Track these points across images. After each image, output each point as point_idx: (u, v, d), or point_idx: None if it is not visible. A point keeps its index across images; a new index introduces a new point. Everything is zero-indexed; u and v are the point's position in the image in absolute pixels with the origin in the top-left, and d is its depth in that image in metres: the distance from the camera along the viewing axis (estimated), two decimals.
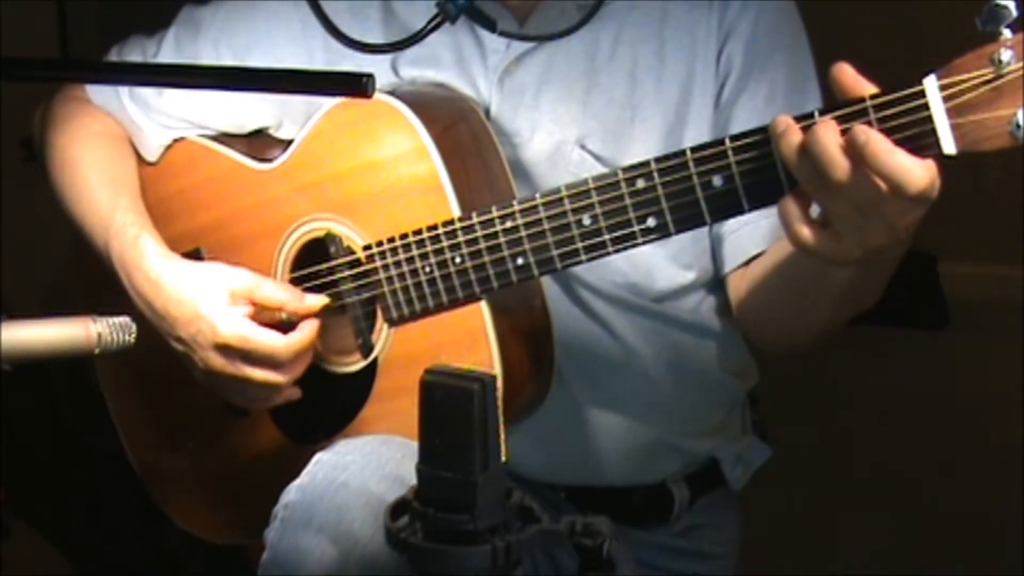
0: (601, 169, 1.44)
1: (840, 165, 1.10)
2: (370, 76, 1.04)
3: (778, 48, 1.48)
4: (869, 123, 1.11)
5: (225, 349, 1.43)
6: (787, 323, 1.45)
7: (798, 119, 1.15)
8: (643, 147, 1.45)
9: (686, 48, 1.47)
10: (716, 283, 1.53)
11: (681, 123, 1.47)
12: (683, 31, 1.47)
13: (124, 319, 1.09)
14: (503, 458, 0.91)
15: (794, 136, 1.14)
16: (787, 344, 1.48)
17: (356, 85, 1.05)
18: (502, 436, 0.91)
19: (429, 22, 1.28)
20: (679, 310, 1.52)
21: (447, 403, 0.89)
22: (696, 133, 1.46)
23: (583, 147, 1.47)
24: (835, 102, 1.15)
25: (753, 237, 1.46)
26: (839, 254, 1.17)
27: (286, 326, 1.45)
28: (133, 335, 1.09)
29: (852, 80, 1.13)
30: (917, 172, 1.09)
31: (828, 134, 1.11)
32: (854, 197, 1.11)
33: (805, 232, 1.17)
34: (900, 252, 1.22)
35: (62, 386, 1.99)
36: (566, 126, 1.47)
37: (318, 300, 1.46)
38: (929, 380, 2.57)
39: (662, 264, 1.49)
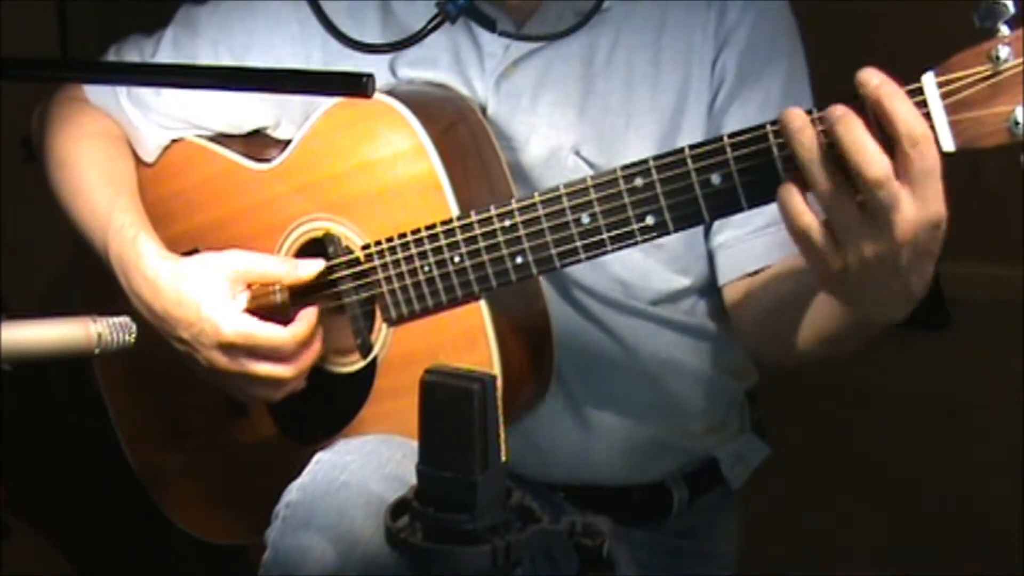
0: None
1: (877, 157, 1.07)
2: (370, 76, 1.04)
3: (774, 57, 1.47)
4: (868, 121, 1.11)
5: (229, 348, 1.43)
6: (780, 349, 1.43)
7: None
8: (637, 154, 1.43)
9: (682, 55, 1.47)
10: (712, 287, 1.53)
11: (675, 130, 1.47)
12: (680, 38, 1.47)
13: (124, 319, 1.09)
14: (503, 458, 0.91)
15: (811, 131, 1.10)
16: (779, 363, 1.47)
17: (356, 85, 1.05)
18: (502, 436, 0.91)
19: (429, 22, 1.28)
20: (675, 312, 1.52)
21: (447, 403, 0.89)
22: (690, 140, 1.46)
23: (577, 153, 1.47)
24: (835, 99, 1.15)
25: (749, 255, 1.46)
26: (839, 268, 1.13)
27: (286, 320, 1.45)
28: (133, 335, 1.09)
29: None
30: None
31: (858, 125, 1.07)
32: (874, 197, 1.08)
33: (807, 220, 1.13)
34: (885, 317, 1.20)
35: (62, 386, 1.99)
36: (562, 131, 1.47)
37: (314, 265, 1.45)
38: (929, 380, 2.57)
39: (657, 268, 1.49)
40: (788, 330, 1.37)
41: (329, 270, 1.46)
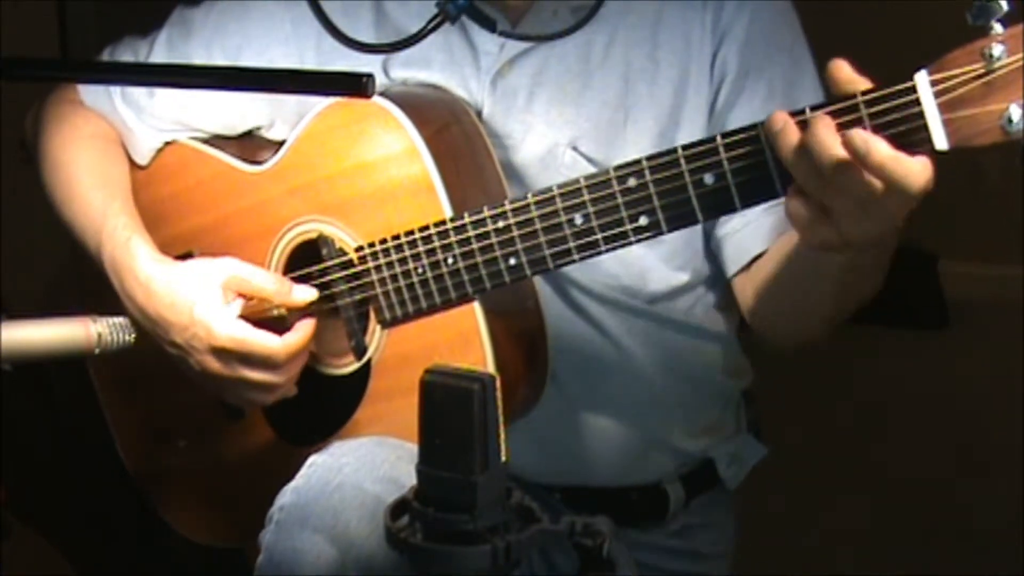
0: (593, 171, 1.44)
1: (841, 164, 1.09)
2: (370, 76, 1.04)
3: (775, 49, 1.47)
4: (861, 119, 1.11)
5: (221, 352, 1.42)
6: (794, 319, 1.45)
7: (790, 116, 1.15)
8: (635, 149, 1.45)
9: (680, 50, 1.47)
10: (710, 284, 1.53)
11: (674, 125, 1.47)
12: (677, 33, 1.46)
13: (124, 319, 1.09)
14: (503, 458, 0.91)
15: (792, 134, 1.13)
16: (796, 339, 1.48)
17: (356, 85, 1.04)
18: (502, 436, 0.91)
19: (429, 22, 1.27)
20: (672, 311, 1.52)
21: (447, 403, 0.89)
22: (689, 135, 1.46)
23: (575, 149, 1.47)
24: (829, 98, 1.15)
25: (755, 237, 1.45)
26: (842, 245, 1.16)
27: (281, 326, 1.45)
28: (133, 335, 1.10)
29: (847, 76, 1.13)
30: (918, 173, 1.09)
31: (827, 133, 1.10)
32: (854, 192, 1.11)
33: (817, 232, 1.16)
34: (895, 237, 1.21)
35: (62, 386, 1.99)
36: (558, 128, 1.47)
37: (307, 293, 1.45)
38: (929, 380, 2.56)
39: (655, 266, 1.49)
40: (801, 298, 1.38)
41: (323, 272, 1.46)
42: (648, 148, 1.44)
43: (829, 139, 1.10)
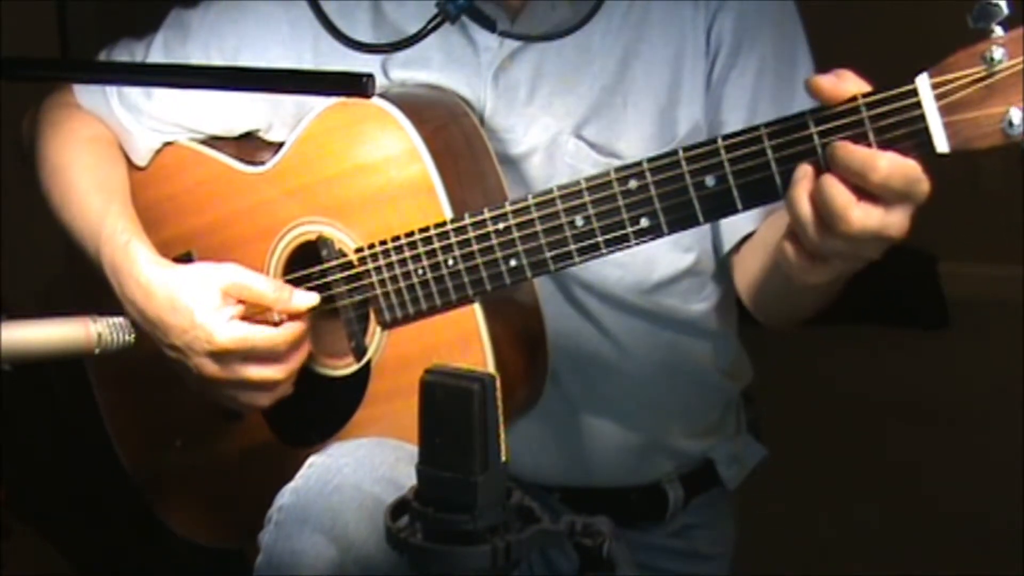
0: (597, 157, 1.45)
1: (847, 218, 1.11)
2: (370, 76, 1.04)
3: (767, 23, 1.47)
4: (862, 121, 1.12)
5: (222, 355, 1.42)
6: (779, 311, 1.46)
7: (787, 119, 1.15)
8: (637, 131, 1.45)
9: (675, 29, 1.47)
10: (712, 276, 1.53)
11: (673, 104, 1.47)
12: (671, 12, 1.47)
13: (124, 319, 1.09)
14: (503, 458, 0.91)
15: (807, 184, 1.14)
16: (785, 323, 1.49)
17: (356, 85, 1.04)
18: (502, 436, 0.91)
19: (429, 22, 1.27)
20: (673, 308, 1.51)
21: (447, 403, 0.89)
22: (688, 113, 1.46)
23: (579, 136, 1.47)
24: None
25: (744, 216, 1.45)
26: (835, 279, 1.19)
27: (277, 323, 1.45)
28: (133, 335, 1.10)
29: (829, 84, 1.13)
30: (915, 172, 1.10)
31: (839, 191, 1.11)
32: (854, 238, 1.12)
33: (810, 274, 1.18)
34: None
35: (62, 386, 1.99)
36: (561, 118, 1.47)
37: (308, 299, 1.45)
38: (929, 380, 2.57)
39: (662, 250, 1.48)
40: (785, 300, 1.40)
41: (322, 273, 1.46)
42: (649, 129, 1.45)
43: (841, 196, 1.11)
